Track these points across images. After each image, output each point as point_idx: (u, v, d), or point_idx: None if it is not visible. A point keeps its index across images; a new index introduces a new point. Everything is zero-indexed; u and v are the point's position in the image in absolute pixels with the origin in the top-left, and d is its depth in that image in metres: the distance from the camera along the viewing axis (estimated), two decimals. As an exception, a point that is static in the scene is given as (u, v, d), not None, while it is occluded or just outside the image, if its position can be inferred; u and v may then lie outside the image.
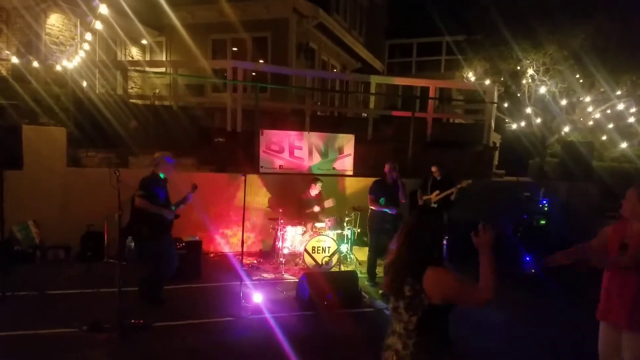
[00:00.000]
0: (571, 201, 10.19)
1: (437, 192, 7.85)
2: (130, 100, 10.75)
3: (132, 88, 13.41)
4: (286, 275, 7.41)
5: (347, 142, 9.62)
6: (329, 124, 11.39)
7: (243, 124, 10.09)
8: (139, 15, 12.21)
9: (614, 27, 12.51)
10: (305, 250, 7.49)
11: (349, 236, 8.16)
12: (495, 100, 12.63)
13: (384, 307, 6.16)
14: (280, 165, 9.24)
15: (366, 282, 7.08)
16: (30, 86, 9.51)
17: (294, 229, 7.89)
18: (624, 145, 14.66)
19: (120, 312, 4.82)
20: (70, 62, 10.06)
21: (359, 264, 8.07)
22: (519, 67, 14.39)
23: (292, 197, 8.35)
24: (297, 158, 9.35)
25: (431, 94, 12.82)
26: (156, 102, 11.29)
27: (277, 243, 7.92)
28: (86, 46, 10.10)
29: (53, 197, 7.75)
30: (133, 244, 7.67)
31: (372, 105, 12.52)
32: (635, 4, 12.82)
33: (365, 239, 7.96)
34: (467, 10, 15.77)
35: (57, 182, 7.81)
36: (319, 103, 15.80)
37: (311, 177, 8.58)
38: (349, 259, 8.21)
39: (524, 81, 14.66)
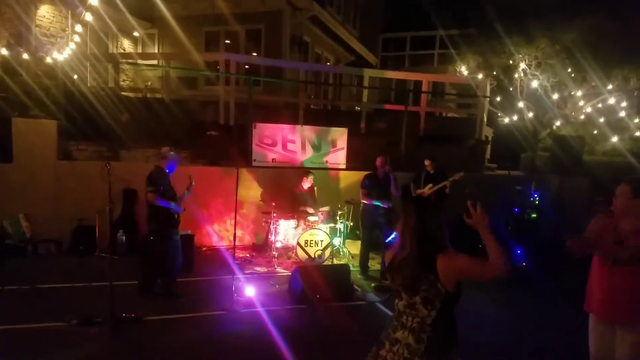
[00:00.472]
0: (562, 195, 10.27)
1: (430, 185, 7.86)
2: (122, 93, 10.68)
3: (124, 81, 13.30)
4: (279, 269, 7.42)
5: (340, 136, 9.61)
6: (323, 117, 11.37)
7: (236, 117, 10.05)
8: (131, 6, 12.10)
9: (606, 23, 12.56)
10: (298, 243, 7.50)
11: (342, 230, 8.18)
12: (488, 94, 12.67)
13: (376, 300, 6.22)
14: (273, 159, 9.23)
15: (358, 276, 7.12)
16: (21, 78, 9.41)
17: (286, 223, 7.90)
18: (615, 139, 14.77)
19: (112, 306, 4.81)
20: (61, 54, 9.95)
21: (352, 257, 8.10)
22: (511, 62, 14.42)
23: (285, 191, 8.35)
24: (290, 151, 9.34)
25: (424, 87, 12.86)
26: (148, 95, 11.23)
27: (269, 237, 7.93)
28: (77, 38, 10.00)
29: (44, 190, 7.71)
30: (124, 237, 7.68)
31: (365, 98, 12.49)
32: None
33: (358, 232, 7.97)
34: (461, 4, 15.78)
35: (48, 175, 7.76)
36: (312, 96, 15.76)
37: (303, 170, 8.58)
38: (341, 253, 8.23)
39: (516, 75, 14.69)
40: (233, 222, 6.32)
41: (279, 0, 13.83)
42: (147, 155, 8.97)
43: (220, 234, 8.67)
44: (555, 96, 14.73)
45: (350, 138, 9.70)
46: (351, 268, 6.75)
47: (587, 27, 12.60)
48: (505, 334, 5.39)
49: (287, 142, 9.30)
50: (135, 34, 14.81)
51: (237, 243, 6.32)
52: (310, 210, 8.11)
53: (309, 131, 9.47)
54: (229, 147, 9.14)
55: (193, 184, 5.92)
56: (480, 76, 14.29)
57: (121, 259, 7.04)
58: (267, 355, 4.56)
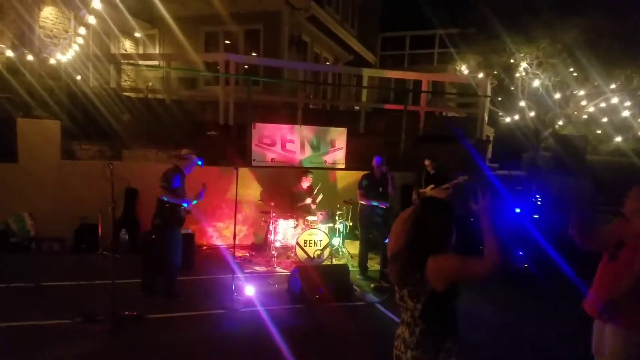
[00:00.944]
0: (565, 195, 10.24)
1: (432, 186, 7.73)
2: (124, 94, 10.77)
3: (125, 81, 13.38)
4: (278, 269, 7.48)
5: (339, 136, 9.68)
6: (321, 117, 11.42)
7: (235, 117, 10.12)
8: (132, 8, 12.16)
9: (607, 22, 12.56)
10: (297, 243, 7.54)
11: (341, 229, 8.22)
12: (489, 93, 12.67)
13: (375, 300, 6.25)
14: (272, 159, 9.30)
15: (357, 276, 7.14)
16: (24, 79, 9.51)
17: (286, 222, 7.95)
18: (618, 139, 14.75)
19: (114, 304, 4.89)
20: (64, 55, 10.05)
21: (351, 257, 8.14)
22: (512, 61, 14.45)
23: (284, 191, 8.41)
24: (289, 151, 9.41)
25: (424, 87, 12.85)
26: (149, 96, 11.31)
27: (269, 236, 7.98)
28: (80, 39, 10.09)
29: (47, 189, 7.82)
30: (126, 236, 7.78)
31: (364, 98, 12.53)
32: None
33: (357, 232, 8.00)
34: (460, 3, 15.78)
35: (51, 175, 7.86)
36: (311, 96, 15.79)
37: (302, 170, 8.63)
38: (340, 253, 8.28)
39: (517, 74, 14.72)
40: (233, 221, 6.39)
41: (277, 0, 13.86)
42: (148, 155, 9.06)
43: (220, 233, 8.74)
44: (557, 95, 14.74)
45: (349, 138, 9.75)
46: (350, 268, 6.78)
47: (588, 26, 12.60)
48: (505, 334, 5.42)
49: (286, 142, 9.37)
50: (137, 34, 14.88)
51: (236, 242, 6.39)
52: (309, 201, 8.14)
53: (308, 131, 9.53)
54: (229, 147, 9.20)
55: (205, 190, 6.04)
56: (480, 75, 14.29)
57: (123, 257, 7.11)
58: (266, 354, 4.62)
